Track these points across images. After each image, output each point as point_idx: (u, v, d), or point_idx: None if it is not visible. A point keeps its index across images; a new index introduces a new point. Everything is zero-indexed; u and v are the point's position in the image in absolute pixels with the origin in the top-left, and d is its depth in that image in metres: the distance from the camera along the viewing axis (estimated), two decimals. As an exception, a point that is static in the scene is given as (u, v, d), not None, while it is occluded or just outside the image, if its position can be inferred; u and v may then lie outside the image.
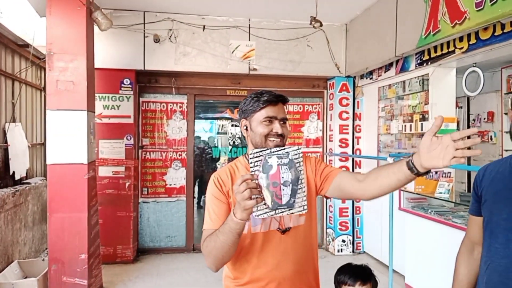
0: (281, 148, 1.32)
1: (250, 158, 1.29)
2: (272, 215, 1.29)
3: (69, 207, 3.61)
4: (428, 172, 1.30)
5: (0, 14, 3.93)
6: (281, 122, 1.57)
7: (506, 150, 4.99)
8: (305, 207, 1.30)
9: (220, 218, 1.49)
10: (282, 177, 1.27)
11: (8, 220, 3.85)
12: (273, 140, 1.55)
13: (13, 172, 4.35)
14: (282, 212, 1.29)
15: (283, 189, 1.27)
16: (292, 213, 1.30)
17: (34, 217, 4.58)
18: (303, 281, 1.60)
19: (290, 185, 1.27)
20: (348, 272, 1.84)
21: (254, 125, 1.58)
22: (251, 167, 1.29)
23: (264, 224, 1.54)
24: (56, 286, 3.59)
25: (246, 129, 1.63)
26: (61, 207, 3.60)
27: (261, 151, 1.29)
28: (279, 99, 1.59)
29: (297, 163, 1.30)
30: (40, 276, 3.61)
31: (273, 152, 1.29)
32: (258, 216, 1.28)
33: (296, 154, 1.30)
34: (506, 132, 4.95)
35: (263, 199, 1.27)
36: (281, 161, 1.27)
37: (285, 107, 1.64)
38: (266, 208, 1.27)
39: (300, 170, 1.30)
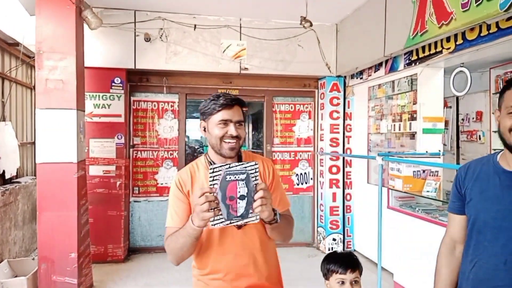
0: (239, 164, 1.40)
1: (210, 173, 1.38)
2: (227, 224, 1.41)
3: (59, 205, 3.62)
4: None
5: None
6: (237, 124, 1.65)
7: (495, 149, 5.05)
8: (258, 217, 1.42)
9: (180, 217, 1.64)
10: (239, 192, 1.38)
11: (-2, 219, 3.85)
12: (228, 142, 1.64)
13: (3, 171, 4.34)
14: (237, 222, 1.41)
15: (239, 203, 1.38)
16: (246, 222, 1.43)
17: (24, 216, 4.57)
18: (260, 272, 1.70)
19: (246, 198, 1.38)
20: (337, 260, 1.88)
21: (210, 127, 1.66)
22: (210, 181, 1.38)
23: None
24: (46, 285, 3.59)
25: (204, 130, 1.71)
26: (50, 205, 3.61)
27: (220, 166, 1.38)
28: (234, 103, 1.65)
29: (253, 177, 1.39)
30: (29, 275, 3.61)
31: (232, 167, 1.38)
32: (214, 225, 1.40)
33: (253, 169, 1.40)
34: (495, 132, 5.01)
35: (220, 210, 1.38)
36: (238, 177, 1.37)
37: (242, 110, 1.70)
38: (221, 219, 1.39)
39: (256, 184, 1.40)
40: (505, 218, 1.39)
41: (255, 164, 1.40)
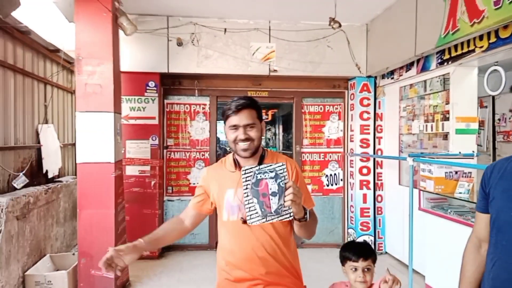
0: (268, 164, 1.51)
1: (242, 174, 1.50)
2: (263, 222, 1.50)
3: (97, 204, 3.81)
4: None
5: (40, 22, 4.18)
6: (247, 128, 1.76)
7: (533, 150, 4.88)
8: (291, 214, 1.51)
9: (193, 202, 1.94)
10: (270, 189, 1.47)
11: (41, 216, 4.08)
12: (240, 144, 1.77)
13: (46, 171, 4.60)
14: (272, 219, 1.50)
15: (272, 199, 1.47)
16: (281, 219, 1.52)
17: (65, 214, 4.82)
18: (279, 263, 1.79)
19: (277, 195, 1.47)
20: (352, 249, 2.00)
21: (226, 131, 1.83)
22: (243, 182, 1.50)
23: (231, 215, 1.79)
24: (85, 278, 3.79)
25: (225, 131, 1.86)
26: (89, 204, 3.80)
27: (251, 168, 1.50)
28: (240, 108, 1.76)
29: (282, 176, 1.48)
30: (70, 269, 3.81)
31: (261, 168, 1.49)
32: (252, 223, 1.50)
33: (281, 169, 1.49)
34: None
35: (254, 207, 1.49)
36: (268, 175, 1.48)
37: (255, 112, 1.80)
38: (258, 216, 1.49)
39: (286, 183, 1.49)
40: None
41: (282, 165, 1.50)
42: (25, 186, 3.98)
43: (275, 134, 10.26)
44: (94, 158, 3.79)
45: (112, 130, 3.83)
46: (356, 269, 1.94)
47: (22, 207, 3.60)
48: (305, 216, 1.61)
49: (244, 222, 1.72)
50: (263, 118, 1.90)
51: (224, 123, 1.83)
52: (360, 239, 5.38)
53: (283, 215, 1.49)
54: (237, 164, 1.84)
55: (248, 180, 1.49)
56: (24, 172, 3.97)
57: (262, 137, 1.86)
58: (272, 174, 1.46)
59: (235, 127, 1.76)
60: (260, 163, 1.80)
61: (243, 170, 1.50)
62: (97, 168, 3.79)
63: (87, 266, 3.80)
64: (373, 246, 5.40)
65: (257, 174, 1.47)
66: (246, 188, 1.49)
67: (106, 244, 3.80)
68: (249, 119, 1.76)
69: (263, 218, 1.48)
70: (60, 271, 3.87)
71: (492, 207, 1.54)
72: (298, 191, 1.49)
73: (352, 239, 5.48)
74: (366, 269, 1.94)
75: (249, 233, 1.75)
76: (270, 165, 1.49)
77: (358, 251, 1.97)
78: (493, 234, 1.51)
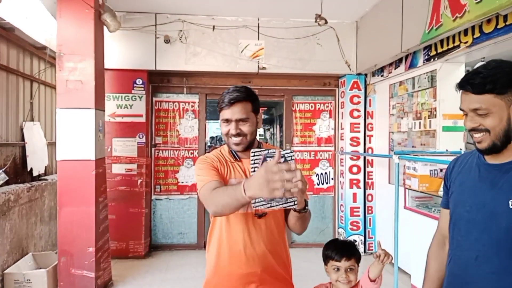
0: (277, 150, 1.38)
1: (252, 157, 1.39)
2: (267, 207, 1.39)
3: (78, 201, 3.77)
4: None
5: (25, 19, 4.16)
6: (240, 122, 1.68)
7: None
8: (296, 202, 1.39)
9: (216, 174, 1.67)
10: None
11: (23, 214, 4.05)
12: (233, 139, 1.70)
13: (31, 169, 4.56)
14: (277, 205, 1.38)
15: None
16: (285, 207, 1.40)
17: (50, 212, 4.78)
18: (275, 260, 1.73)
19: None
20: (335, 248, 1.90)
21: (220, 123, 1.75)
22: (251, 164, 1.39)
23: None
24: (65, 277, 3.75)
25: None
26: (70, 201, 3.76)
27: (260, 151, 1.40)
28: (233, 101, 1.66)
29: (291, 162, 1.37)
30: (50, 267, 3.77)
31: (271, 152, 1.39)
32: (256, 207, 1.38)
33: (290, 156, 1.36)
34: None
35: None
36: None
37: (250, 105, 1.70)
38: (263, 201, 1.37)
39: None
40: (479, 211, 1.32)
41: (291, 152, 1.37)
42: (7, 184, 3.95)
43: (264, 132, 10.20)
44: (74, 155, 3.75)
45: (93, 127, 3.79)
46: (338, 269, 1.85)
47: (1, 205, 3.57)
48: (306, 208, 1.55)
49: (260, 217, 1.69)
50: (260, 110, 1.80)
51: (219, 114, 1.75)
52: (350, 239, 5.32)
53: (287, 203, 1.38)
54: (235, 155, 1.77)
55: (256, 163, 1.39)
56: (4, 169, 3.93)
57: (259, 129, 1.79)
58: (282, 160, 1.33)
59: (228, 121, 1.69)
60: None
61: (252, 152, 1.40)
62: (78, 166, 3.75)
63: (67, 265, 3.76)
64: (363, 246, 5.34)
65: (266, 157, 1.37)
66: (254, 171, 1.39)
67: (87, 243, 3.79)
68: (242, 113, 1.67)
69: (268, 204, 1.37)
70: (41, 269, 3.84)
71: (451, 202, 1.48)
72: (304, 180, 1.35)
73: (342, 238, 5.41)
74: (349, 269, 1.85)
75: (251, 226, 1.70)
76: (280, 151, 1.38)
77: (341, 250, 1.88)
78: (450, 230, 1.45)
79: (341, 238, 5.45)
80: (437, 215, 3.38)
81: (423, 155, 3.77)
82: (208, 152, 1.86)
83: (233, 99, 1.67)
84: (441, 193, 3.40)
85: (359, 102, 5.37)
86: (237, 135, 1.68)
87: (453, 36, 3.50)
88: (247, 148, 1.71)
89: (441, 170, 3.58)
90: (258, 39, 5.16)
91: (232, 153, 1.78)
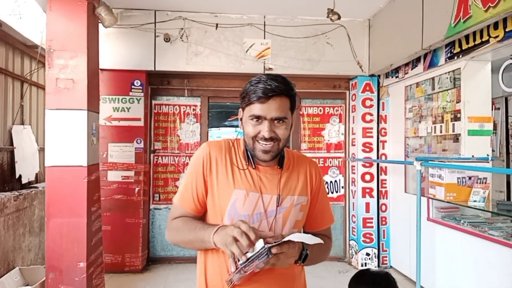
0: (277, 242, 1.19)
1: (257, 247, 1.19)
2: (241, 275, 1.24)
3: (68, 211, 3.42)
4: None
5: (19, 17, 3.87)
6: (275, 122, 1.29)
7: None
8: (269, 254, 1.17)
9: (192, 198, 1.39)
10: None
11: (9, 225, 3.70)
12: (261, 144, 1.31)
13: (20, 176, 4.23)
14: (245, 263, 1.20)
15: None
16: (257, 263, 1.20)
17: (41, 223, 4.43)
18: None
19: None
20: (367, 282, 1.52)
21: (244, 120, 1.35)
22: (251, 253, 1.18)
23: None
24: (53, 295, 3.39)
25: (241, 120, 1.38)
26: (59, 211, 3.41)
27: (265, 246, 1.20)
28: (271, 94, 1.27)
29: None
30: (37, 284, 3.43)
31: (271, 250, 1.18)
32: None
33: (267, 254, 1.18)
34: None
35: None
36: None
37: (289, 101, 1.33)
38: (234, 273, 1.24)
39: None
40: None
41: (269, 253, 1.17)
42: (-9, 192, 3.62)
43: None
44: (64, 161, 3.41)
45: (85, 130, 3.46)
46: None
47: (-17, 215, 3.23)
48: (299, 261, 1.29)
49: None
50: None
51: (243, 109, 1.36)
52: (363, 252, 4.95)
53: (261, 255, 1.17)
54: (249, 160, 1.38)
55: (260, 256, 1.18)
56: (-12, 176, 3.60)
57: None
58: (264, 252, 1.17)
59: (259, 118, 1.29)
60: (280, 165, 1.39)
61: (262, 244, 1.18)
62: (68, 172, 3.41)
63: (56, 282, 3.40)
64: (376, 260, 4.97)
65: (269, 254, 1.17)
66: (248, 260, 1.18)
67: (77, 257, 3.44)
68: (280, 111, 1.28)
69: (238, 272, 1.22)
70: (28, 286, 3.49)
71: None
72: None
73: (354, 251, 5.05)
74: None
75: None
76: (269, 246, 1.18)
77: (376, 285, 1.51)
78: None
79: (352, 251, 5.09)
80: (467, 227, 3.03)
81: (449, 162, 3.42)
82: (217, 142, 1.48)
83: (272, 92, 1.26)
84: (471, 203, 3.07)
85: (371, 106, 5.04)
86: (270, 139, 1.29)
87: (481, 31, 3.18)
88: (275, 157, 1.35)
89: (470, 178, 3.24)
90: (264, 38, 4.85)
91: (248, 157, 1.39)
